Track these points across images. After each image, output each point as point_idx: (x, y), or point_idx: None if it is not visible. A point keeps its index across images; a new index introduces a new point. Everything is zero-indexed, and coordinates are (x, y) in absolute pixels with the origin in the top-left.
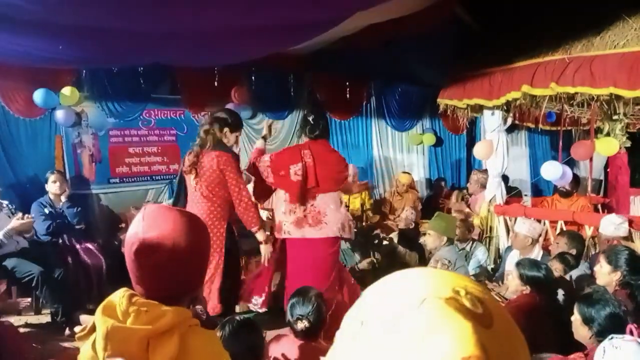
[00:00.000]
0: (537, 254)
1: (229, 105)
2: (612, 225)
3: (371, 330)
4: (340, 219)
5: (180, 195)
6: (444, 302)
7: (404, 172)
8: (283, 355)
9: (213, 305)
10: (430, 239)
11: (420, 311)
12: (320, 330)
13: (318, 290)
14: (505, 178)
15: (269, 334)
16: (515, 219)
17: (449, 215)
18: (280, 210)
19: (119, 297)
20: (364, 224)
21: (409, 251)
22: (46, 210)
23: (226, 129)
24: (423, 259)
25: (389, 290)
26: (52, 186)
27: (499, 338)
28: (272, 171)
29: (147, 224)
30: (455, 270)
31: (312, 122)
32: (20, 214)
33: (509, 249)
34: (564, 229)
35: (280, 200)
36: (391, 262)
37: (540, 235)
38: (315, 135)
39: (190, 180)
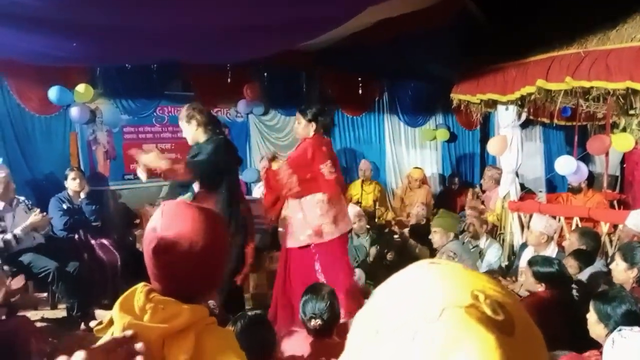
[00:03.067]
0: (552, 251)
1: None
2: None
3: (387, 342)
4: None
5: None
6: (464, 312)
7: (416, 168)
8: (295, 351)
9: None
10: (437, 236)
11: (440, 324)
12: (334, 327)
13: (331, 287)
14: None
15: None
16: (530, 216)
17: (450, 212)
18: (315, 214)
19: (136, 293)
20: (376, 220)
21: (420, 246)
22: (64, 206)
23: None
24: (434, 254)
25: (404, 296)
26: (72, 183)
27: (522, 344)
28: (297, 179)
29: (165, 221)
30: (461, 263)
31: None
32: (37, 210)
33: (524, 245)
34: (580, 225)
35: (311, 205)
36: (402, 258)
37: (555, 232)
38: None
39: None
